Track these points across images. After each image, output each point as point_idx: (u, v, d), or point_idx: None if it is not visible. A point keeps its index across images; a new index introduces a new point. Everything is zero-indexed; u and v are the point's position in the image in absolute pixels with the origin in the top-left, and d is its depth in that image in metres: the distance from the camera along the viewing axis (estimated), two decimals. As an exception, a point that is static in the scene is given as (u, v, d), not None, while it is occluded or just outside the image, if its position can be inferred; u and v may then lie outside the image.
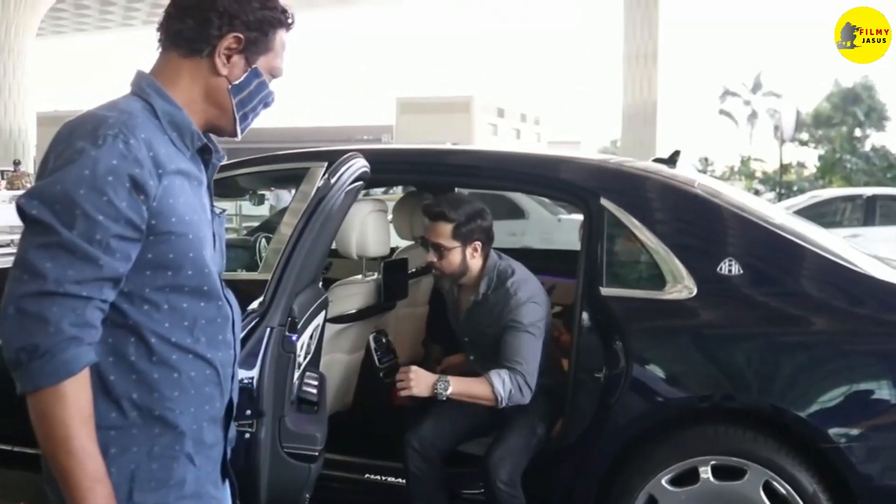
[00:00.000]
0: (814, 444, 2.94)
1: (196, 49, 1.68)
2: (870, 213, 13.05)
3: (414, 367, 3.22)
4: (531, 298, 3.29)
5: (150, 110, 1.63)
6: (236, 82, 1.72)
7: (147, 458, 1.59)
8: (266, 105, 1.81)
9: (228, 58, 1.70)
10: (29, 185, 23.26)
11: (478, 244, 3.36)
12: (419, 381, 3.16)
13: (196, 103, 1.70)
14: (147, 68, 1.73)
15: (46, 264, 1.45)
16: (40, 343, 1.44)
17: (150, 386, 1.59)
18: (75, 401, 1.46)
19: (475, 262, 3.38)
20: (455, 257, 3.36)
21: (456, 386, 3.17)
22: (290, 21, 1.77)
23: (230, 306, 1.75)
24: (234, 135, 1.78)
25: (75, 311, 1.47)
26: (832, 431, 2.90)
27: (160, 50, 1.72)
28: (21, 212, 1.50)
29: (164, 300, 1.60)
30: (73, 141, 1.52)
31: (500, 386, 3.13)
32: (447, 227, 3.32)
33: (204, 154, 1.73)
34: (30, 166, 30.28)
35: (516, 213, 12.20)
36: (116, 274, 1.52)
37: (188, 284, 1.62)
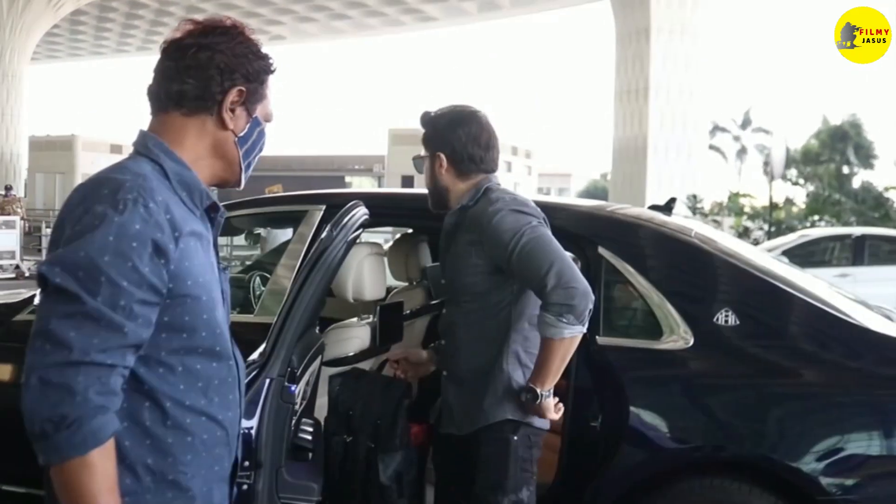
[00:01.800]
0: (809, 498, 2.94)
1: (202, 107, 1.70)
2: (858, 252, 13.12)
3: (547, 404, 2.68)
4: (518, 208, 2.77)
5: (161, 171, 1.64)
6: (241, 134, 1.75)
7: None
8: (262, 150, 1.83)
9: (232, 111, 1.72)
10: (20, 210, 23.05)
11: (441, 156, 2.89)
12: (548, 408, 2.69)
13: (203, 159, 1.72)
14: (145, 125, 1.74)
15: (70, 333, 1.45)
16: (67, 413, 1.43)
17: (165, 451, 1.59)
18: (103, 470, 1.46)
19: (447, 178, 2.91)
20: (427, 168, 2.96)
21: (544, 384, 2.65)
22: (274, 68, 1.80)
23: (237, 365, 1.76)
24: (239, 185, 1.81)
25: (100, 380, 1.46)
26: (827, 484, 2.91)
27: (157, 111, 1.73)
28: (43, 279, 1.50)
29: (179, 363, 1.60)
30: (91, 206, 1.52)
31: (555, 330, 2.58)
32: (423, 137, 2.98)
33: (210, 212, 1.75)
34: (20, 190, 30.20)
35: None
36: (140, 340, 1.52)
37: (202, 346, 1.63)
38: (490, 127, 2.94)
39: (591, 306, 2.59)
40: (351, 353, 3.70)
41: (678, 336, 3.09)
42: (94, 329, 1.46)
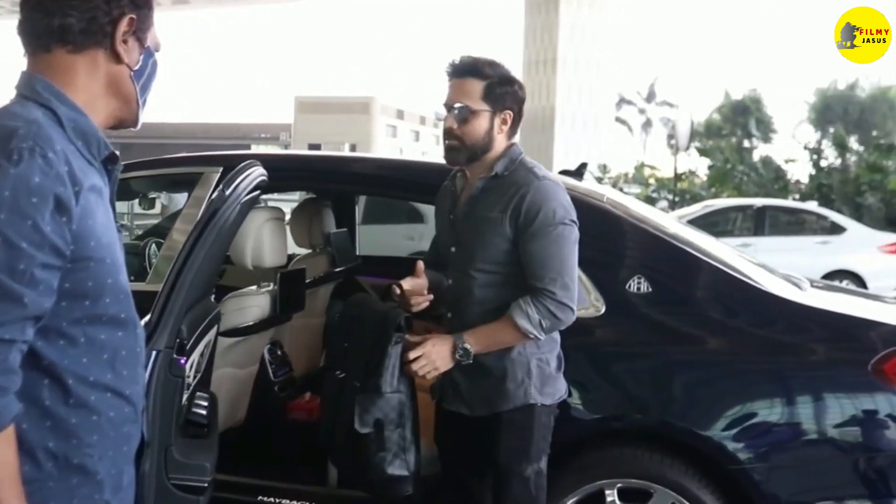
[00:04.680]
0: (719, 465, 2.92)
1: (91, 41, 1.51)
2: (759, 223, 13.41)
3: (429, 340, 2.64)
4: (560, 188, 2.66)
5: (53, 118, 1.44)
6: (136, 67, 1.57)
7: None
8: (154, 83, 1.66)
9: (125, 42, 1.54)
10: None
11: (509, 114, 2.69)
12: (441, 355, 2.61)
13: (98, 100, 1.54)
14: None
15: None
16: None
17: (68, 432, 1.42)
18: (3, 458, 1.30)
19: (500, 139, 2.70)
20: (481, 124, 2.65)
21: (477, 344, 2.60)
22: None
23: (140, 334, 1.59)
24: (136, 124, 1.63)
25: None
26: (736, 452, 2.90)
27: (36, 50, 1.52)
28: None
29: (82, 333, 1.43)
30: None
31: (526, 322, 2.55)
32: (478, 86, 2.64)
33: (107, 164, 1.56)
34: None
35: (415, 217, 12.09)
36: (41, 310, 1.35)
37: (107, 314, 1.46)
38: None
39: (568, 321, 2.61)
40: (250, 323, 3.54)
41: (590, 304, 3.02)
42: None
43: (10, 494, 1.30)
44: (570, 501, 2.97)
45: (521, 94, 2.72)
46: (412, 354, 2.62)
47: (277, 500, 3.27)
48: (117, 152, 1.58)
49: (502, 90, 2.66)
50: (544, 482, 2.71)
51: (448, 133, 2.70)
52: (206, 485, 2.39)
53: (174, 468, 2.33)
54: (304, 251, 4.48)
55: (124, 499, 1.56)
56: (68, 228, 1.36)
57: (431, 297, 2.78)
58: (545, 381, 2.68)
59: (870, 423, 2.95)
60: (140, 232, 8.22)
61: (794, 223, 14.17)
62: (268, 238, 3.53)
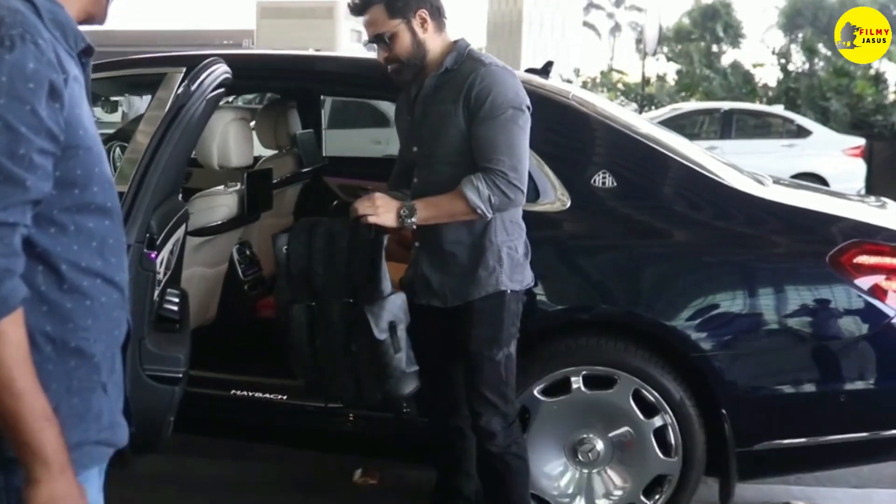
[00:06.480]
0: (681, 354, 3.01)
1: None
2: (726, 126, 13.49)
3: (379, 193, 2.67)
4: (510, 73, 2.71)
5: (32, 9, 1.41)
6: None
7: (67, 394, 1.44)
8: None
9: None
10: None
11: (422, 13, 2.70)
12: (386, 206, 2.60)
13: None
14: None
15: None
16: None
17: (64, 317, 1.43)
18: (16, 339, 1.31)
19: (431, 38, 2.73)
20: (404, 39, 2.70)
21: (424, 210, 2.62)
22: None
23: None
24: (104, 20, 1.60)
25: (3, 241, 1.30)
26: (699, 341, 2.98)
27: None
28: None
29: (71, 221, 1.43)
30: None
31: (475, 195, 2.57)
32: (379, 10, 2.70)
33: (83, 56, 1.53)
34: None
35: (381, 121, 12.01)
36: (41, 194, 1.34)
37: (94, 202, 1.46)
38: None
39: (517, 203, 2.65)
40: (218, 222, 3.55)
41: (555, 198, 3.06)
42: None
43: (24, 371, 1.33)
44: (537, 389, 3.05)
45: None
46: (363, 199, 2.63)
47: (251, 394, 3.34)
48: (92, 45, 1.57)
49: (402, 0, 2.70)
50: (514, 366, 2.79)
51: (386, 61, 2.77)
52: (180, 375, 2.44)
53: (148, 359, 2.38)
54: (270, 153, 4.47)
55: (117, 382, 1.59)
56: (61, 115, 1.37)
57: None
58: (514, 268, 2.73)
59: (825, 312, 3.04)
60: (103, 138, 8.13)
61: (760, 126, 14.25)
62: (233, 137, 3.52)
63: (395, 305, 2.64)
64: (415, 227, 2.62)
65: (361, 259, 2.67)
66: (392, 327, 2.62)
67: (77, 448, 1.43)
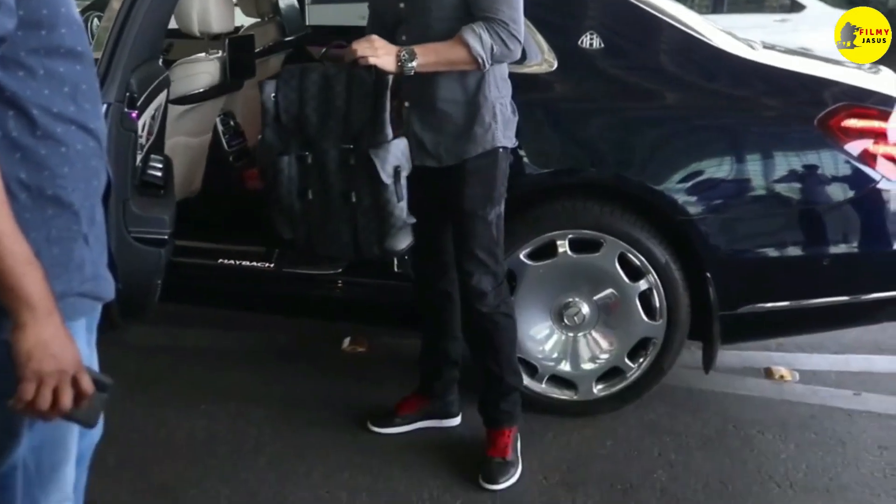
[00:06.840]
0: (668, 217, 3.01)
1: None
2: (718, 0, 13.22)
3: (375, 35, 2.51)
4: None
5: None
6: None
7: (47, 244, 1.42)
8: None
9: None
10: None
11: None
12: (385, 49, 2.47)
13: None
14: None
15: None
16: None
17: (39, 163, 1.40)
18: None
19: None
20: None
21: (423, 56, 2.48)
22: None
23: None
24: None
25: None
26: (685, 205, 2.98)
27: None
28: None
29: (40, 65, 1.38)
30: None
31: (478, 43, 2.46)
32: None
33: None
34: None
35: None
36: (4, 31, 1.30)
37: (63, 45, 1.41)
38: None
39: (515, 55, 2.56)
40: (200, 89, 3.49)
41: (542, 59, 3.01)
42: None
43: (2, 214, 1.31)
44: (523, 252, 3.07)
45: None
46: (360, 41, 2.49)
47: (238, 262, 3.33)
48: None
49: None
50: (503, 224, 2.77)
51: None
52: (165, 237, 2.44)
53: (133, 221, 2.37)
54: (251, 23, 4.37)
55: (99, 235, 1.57)
56: None
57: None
58: (506, 124, 2.69)
59: (812, 176, 3.02)
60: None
61: (753, 1, 13.97)
62: (214, 2, 3.43)
63: (398, 150, 2.54)
64: (413, 72, 2.50)
65: (361, 102, 2.52)
66: (396, 173, 2.53)
67: (61, 298, 1.41)
